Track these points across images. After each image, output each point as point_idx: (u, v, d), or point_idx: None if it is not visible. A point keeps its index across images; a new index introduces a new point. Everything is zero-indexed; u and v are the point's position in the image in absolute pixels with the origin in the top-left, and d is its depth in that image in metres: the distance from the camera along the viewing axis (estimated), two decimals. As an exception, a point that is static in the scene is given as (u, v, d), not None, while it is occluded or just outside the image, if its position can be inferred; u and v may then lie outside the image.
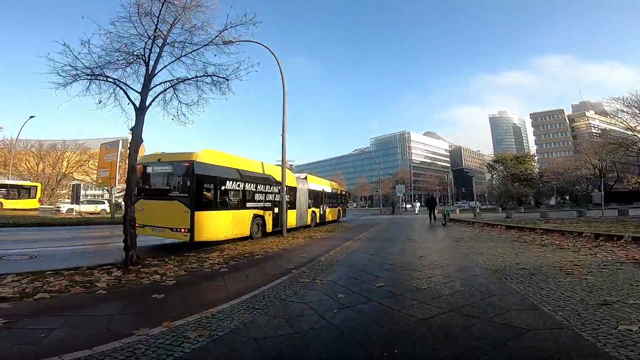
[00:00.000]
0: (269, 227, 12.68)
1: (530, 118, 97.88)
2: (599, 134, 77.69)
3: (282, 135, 12.97)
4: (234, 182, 10.98)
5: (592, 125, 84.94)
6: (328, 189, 21.63)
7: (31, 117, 29.77)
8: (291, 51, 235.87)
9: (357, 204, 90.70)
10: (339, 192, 24.32)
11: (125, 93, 6.60)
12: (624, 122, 34.66)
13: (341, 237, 11.52)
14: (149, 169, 10.10)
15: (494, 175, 52.38)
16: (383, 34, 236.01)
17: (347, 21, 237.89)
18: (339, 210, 23.63)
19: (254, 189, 12.04)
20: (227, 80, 7.30)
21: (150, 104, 6.66)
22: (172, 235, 9.07)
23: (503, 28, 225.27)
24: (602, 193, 20.37)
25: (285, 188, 12.62)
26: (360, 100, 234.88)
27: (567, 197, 53.83)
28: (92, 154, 44.37)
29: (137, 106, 6.52)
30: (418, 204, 34.66)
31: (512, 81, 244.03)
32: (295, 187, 15.75)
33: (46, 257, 7.77)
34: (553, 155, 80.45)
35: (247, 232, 11.20)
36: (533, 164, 51.30)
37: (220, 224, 9.86)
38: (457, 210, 35.63)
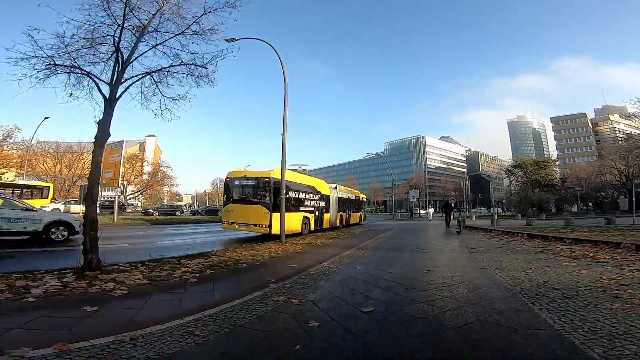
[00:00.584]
0: (312, 227, 15.61)
1: (552, 122, 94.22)
2: (624, 138, 74.18)
3: (283, 135, 12.19)
4: (293, 192, 14.26)
5: (616, 129, 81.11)
6: (352, 197, 24.22)
7: (46, 118, 30.02)
8: (303, 54, 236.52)
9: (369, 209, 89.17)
10: (360, 199, 27.08)
11: (96, 84, 6.07)
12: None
13: (344, 245, 10.57)
14: (237, 182, 13.48)
15: (513, 181, 50.31)
16: (394, 37, 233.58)
17: (359, 24, 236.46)
18: (360, 214, 26.18)
19: (304, 197, 15.24)
20: (206, 68, 6.63)
21: (120, 96, 6.05)
22: (255, 229, 12.43)
23: (517, 29, 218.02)
24: (634, 199, 18.66)
25: (284, 190, 11.86)
26: (373, 104, 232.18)
27: (591, 204, 51.11)
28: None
29: (107, 97, 5.88)
30: (432, 210, 33.11)
31: (529, 84, 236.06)
32: (329, 195, 18.55)
33: (18, 258, 7.29)
34: (575, 161, 77.20)
35: (299, 230, 14.15)
36: (554, 169, 48.98)
37: (287, 222, 11.98)
38: (474, 217, 34.05)
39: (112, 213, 22.26)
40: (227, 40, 11.88)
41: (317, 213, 16.42)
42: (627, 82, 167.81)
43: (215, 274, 5.54)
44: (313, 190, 16.45)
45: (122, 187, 57.83)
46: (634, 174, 48.66)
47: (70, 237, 10.08)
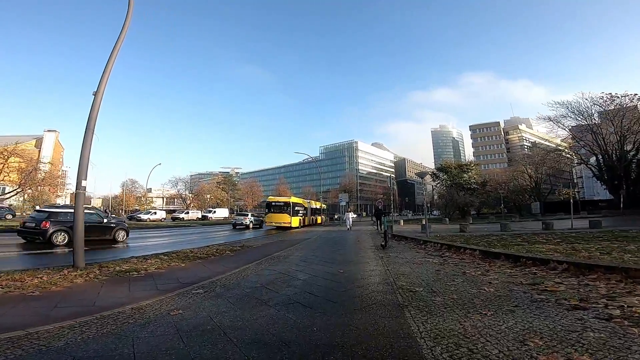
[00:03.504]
0: (302, 224, 29.24)
1: (470, 130, 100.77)
2: (529, 146, 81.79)
3: (95, 94, 7.16)
4: (296, 206, 28.36)
5: (524, 138, 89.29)
6: (318, 207, 39.77)
7: None
8: (244, 60, 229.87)
9: None
10: (322, 208, 43.52)
11: None
12: (566, 129, 33.53)
13: (190, 275, 5.92)
14: (273, 203, 27.40)
15: (438, 184, 50.20)
16: (327, 47, 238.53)
17: (297, 35, 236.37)
18: (322, 217, 41.10)
19: (299, 209, 28.89)
20: None
21: None
22: (283, 225, 25.57)
23: (429, 45, 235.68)
24: (577, 201, 16.97)
25: (82, 183, 6.65)
26: (308, 111, 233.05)
27: (504, 207, 53.19)
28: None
29: None
30: (352, 215, 28.47)
31: (443, 98, 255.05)
32: (307, 207, 32.77)
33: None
34: (490, 167, 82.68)
35: (297, 225, 27.17)
36: (477, 173, 49.82)
37: (294, 221, 26.69)
38: (402, 222, 31.49)
39: None
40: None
41: (303, 217, 29.94)
42: (522, 96, 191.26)
43: None
44: (302, 205, 30.70)
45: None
46: (542, 180, 52.17)
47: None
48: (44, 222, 11.29)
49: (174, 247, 11.04)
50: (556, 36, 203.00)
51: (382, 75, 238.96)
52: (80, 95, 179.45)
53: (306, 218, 31.27)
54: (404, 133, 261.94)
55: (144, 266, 6.94)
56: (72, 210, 11.52)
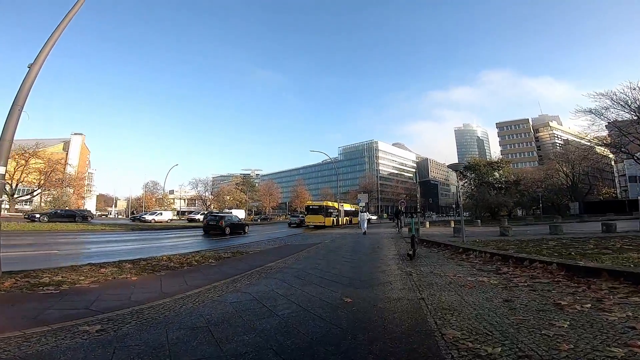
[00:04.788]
0: (335, 223, 34.17)
1: (497, 128, 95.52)
2: (561, 144, 76.46)
3: (31, 66, 5.52)
4: (329, 209, 34.21)
5: (555, 135, 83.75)
6: (351, 209, 42.24)
7: None
8: (260, 64, 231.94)
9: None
10: (356, 209, 42.45)
11: None
12: (609, 122, 29.85)
13: (117, 296, 3.83)
14: (311, 206, 34.10)
15: (465, 184, 46.82)
16: (341, 49, 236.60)
17: (311, 38, 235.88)
18: (356, 218, 40.27)
19: (332, 211, 34.71)
20: None
21: None
22: (318, 224, 31.09)
23: (445, 44, 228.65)
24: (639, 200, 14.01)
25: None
26: (324, 113, 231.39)
27: (541, 207, 48.98)
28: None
29: None
30: (367, 216, 24.44)
31: (462, 97, 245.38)
32: (339, 209, 37.13)
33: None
34: (519, 166, 77.69)
35: (331, 224, 32.66)
36: (508, 171, 45.88)
37: (328, 221, 32.30)
38: (427, 224, 28.80)
39: None
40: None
41: (336, 218, 35.11)
42: (544, 93, 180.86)
43: None
44: (334, 208, 35.75)
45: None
46: (579, 179, 47.76)
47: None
48: (220, 221, 19.34)
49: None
50: (576, 31, 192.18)
51: (399, 75, 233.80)
52: (102, 95, 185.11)
53: (339, 219, 36.02)
54: (425, 133, 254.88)
55: (82, 277, 5.14)
56: (230, 214, 25.07)
